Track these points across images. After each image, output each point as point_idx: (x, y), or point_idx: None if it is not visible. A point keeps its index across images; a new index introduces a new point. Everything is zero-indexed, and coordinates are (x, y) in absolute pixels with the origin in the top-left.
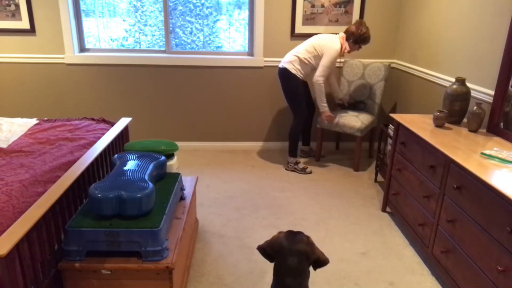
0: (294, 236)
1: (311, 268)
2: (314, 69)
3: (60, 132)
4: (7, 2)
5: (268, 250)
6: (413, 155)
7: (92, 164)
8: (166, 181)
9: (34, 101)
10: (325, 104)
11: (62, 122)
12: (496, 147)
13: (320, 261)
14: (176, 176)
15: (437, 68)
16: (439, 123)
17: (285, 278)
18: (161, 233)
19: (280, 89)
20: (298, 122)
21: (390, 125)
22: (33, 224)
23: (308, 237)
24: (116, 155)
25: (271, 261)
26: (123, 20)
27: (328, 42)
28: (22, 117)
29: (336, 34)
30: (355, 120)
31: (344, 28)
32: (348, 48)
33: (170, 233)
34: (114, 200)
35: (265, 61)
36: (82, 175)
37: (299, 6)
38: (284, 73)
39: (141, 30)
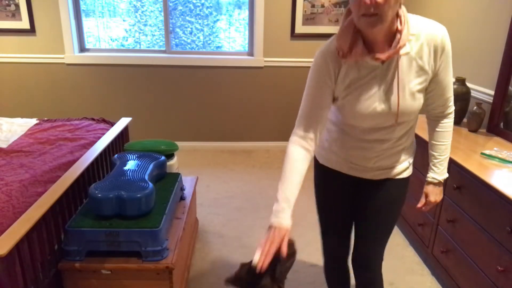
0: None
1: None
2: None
3: (60, 132)
4: (7, 2)
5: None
6: None
7: (92, 164)
8: (166, 181)
9: (34, 101)
10: (281, 195)
11: (62, 122)
12: (496, 147)
13: None
14: (176, 176)
15: None
16: None
17: None
18: (161, 233)
19: (280, 88)
20: (324, 257)
21: None
22: (33, 224)
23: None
24: (116, 155)
25: None
26: (123, 20)
27: None
28: (22, 117)
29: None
30: None
31: None
32: (339, 37)
33: (170, 233)
34: (114, 200)
35: (265, 61)
36: (82, 175)
37: (299, 6)
38: None
39: (141, 30)
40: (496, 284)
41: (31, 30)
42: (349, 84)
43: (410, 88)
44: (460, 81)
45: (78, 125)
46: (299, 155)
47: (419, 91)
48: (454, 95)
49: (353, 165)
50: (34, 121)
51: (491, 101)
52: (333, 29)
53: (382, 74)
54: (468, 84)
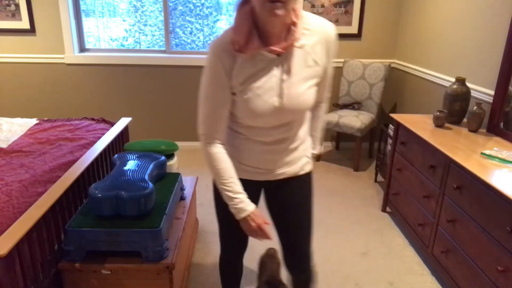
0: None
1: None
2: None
3: (60, 132)
4: (7, 2)
5: None
6: (413, 155)
7: (92, 164)
8: (166, 181)
9: (34, 101)
10: (230, 191)
11: (62, 122)
12: (496, 147)
13: None
14: (176, 176)
15: (437, 68)
16: (439, 123)
17: None
18: (161, 233)
19: None
20: (220, 258)
21: (390, 125)
22: (33, 224)
23: None
24: (116, 155)
25: None
26: (123, 20)
27: None
28: (22, 117)
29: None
30: (355, 120)
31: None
32: (238, 29)
33: (170, 233)
34: (114, 200)
35: None
36: (82, 175)
37: (299, 6)
38: None
39: (141, 30)
40: (496, 284)
41: (31, 30)
42: (246, 79)
43: (305, 82)
44: (460, 81)
45: (78, 125)
46: (223, 153)
47: (314, 84)
48: (454, 95)
49: (255, 169)
50: (34, 121)
51: (491, 101)
52: None
53: (278, 68)
54: (468, 84)
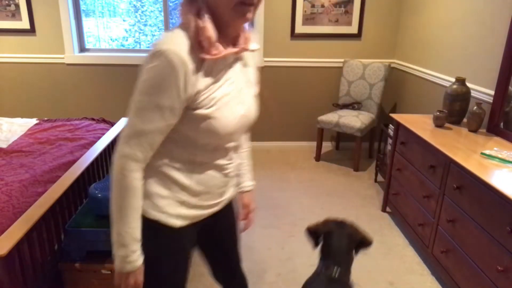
0: (341, 222)
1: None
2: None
3: (60, 132)
4: (7, 2)
5: (318, 230)
6: (413, 155)
7: (92, 164)
8: None
9: (34, 101)
10: (132, 237)
11: (62, 122)
12: (496, 147)
13: (365, 242)
14: None
15: (437, 68)
16: (439, 123)
17: (334, 259)
18: None
19: (280, 88)
20: None
21: (390, 125)
22: (33, 224)
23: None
24: None
25: (316, 245)
26: (123, 20)
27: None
28: (22, 117)
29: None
30: (355, 120)
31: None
32: (207, 29)
33: None
34: None
35: (265, 61)
36: (82, 175)
37: (299, 6)
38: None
39: (141, 30)
40: (496, 284)
41: (31, 30)
42: (210, 86)
43: (252, 89)
44: (460, 81)
45: (78, 125)
46: (140, 185)
47: (255, 93)
48: (454, 95)
49: (210, 205)
50: (34, 121)
51: (491, 101)
52: (333, 29)
53: (235, 73)
54: (468, 84)
